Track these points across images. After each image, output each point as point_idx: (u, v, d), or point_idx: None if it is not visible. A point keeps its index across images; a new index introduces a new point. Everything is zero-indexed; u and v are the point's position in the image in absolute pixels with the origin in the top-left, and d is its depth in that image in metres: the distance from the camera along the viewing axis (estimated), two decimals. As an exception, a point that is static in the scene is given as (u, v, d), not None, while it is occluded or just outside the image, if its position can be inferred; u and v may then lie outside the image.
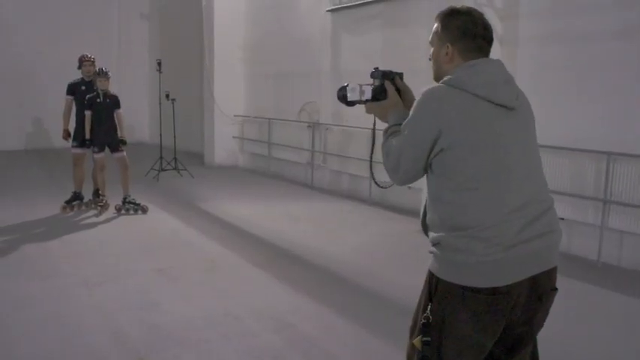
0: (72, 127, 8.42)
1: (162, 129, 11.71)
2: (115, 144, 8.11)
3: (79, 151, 8.34)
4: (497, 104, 2.17)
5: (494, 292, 2.10)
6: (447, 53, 2.31)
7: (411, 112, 2.24)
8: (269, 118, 11.79)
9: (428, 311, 2.19)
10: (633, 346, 4.30)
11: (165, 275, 5.65)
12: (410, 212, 8.16)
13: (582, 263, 6.16)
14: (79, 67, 8.45)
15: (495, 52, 7.09)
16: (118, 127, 8.14)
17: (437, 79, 2.36)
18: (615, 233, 6.06)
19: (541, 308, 2.28)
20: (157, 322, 4.49)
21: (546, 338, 4.32)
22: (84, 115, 8.11)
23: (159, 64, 11.54)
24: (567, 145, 6.33)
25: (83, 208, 8.46)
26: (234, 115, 12.86)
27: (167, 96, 11.36)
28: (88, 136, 8.08)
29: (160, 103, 11.67)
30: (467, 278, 2.11)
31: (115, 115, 8.10)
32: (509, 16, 6.88)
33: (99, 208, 8.26)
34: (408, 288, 5.32)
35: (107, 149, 8.14)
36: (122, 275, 5.61)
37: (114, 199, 8.34)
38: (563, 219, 6.45)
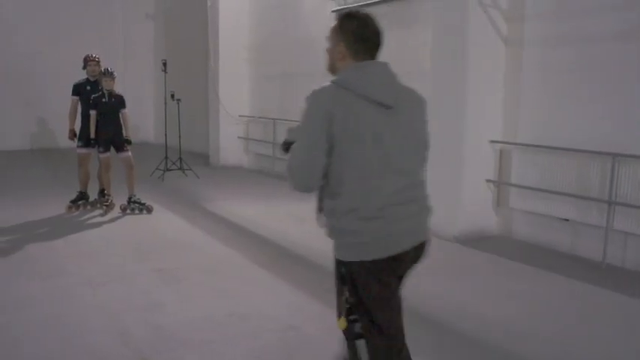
0: (78, 127, 8.44)
1: (167, 129, 11.72)
2: (121, 144, 8.12)
3: (84, 150, 8.36)
4: (377, 103, 2.47)
5: (391, 259, 2.51)
6: (340, 52, 2.62)
7: (303, 116, 2.48)
8: (274, 119, 11.77)
9: (347, 294, 2.55)
10: (634, 347, 4.27)
11: (169, 275, 5.64)
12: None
13: (587, 264, 6.13)
14: (84, 67, 8.46)
15: (500, 53, 7.12)
16: (123, 126, 8.15)
17: (330, 70, 2.73)
18: (620, 235, 6.03)
19: (412, 266, 2.71)
20: (161, 323, 4.49)
21: (547, 338, 4.31)
22: (89, 115, 8.13)
23: (164, 64, 11.54)
24: (572, 146, 6.30)
25: (88, 207, 8.48)
26: (239, 116, 12.86)
27: (172, 96, 11.37)
28: (93, 135, 8.11)
29: (165, 104, 11.68)
30: (367, 254, 2.48)
31: (120, 115, 8.12)
32: (514, 18, 6.86)
33: (104, 207, 8.28)
34: (410, 289, 5.32)
35: (112, 149, 8.16)
36: (126, 275, 5.61)
37: (119, 199, 8.36)
38: (567, 220, 6.43)
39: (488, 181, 7.05)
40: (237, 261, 6.18)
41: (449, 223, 6.96)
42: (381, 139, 2.46)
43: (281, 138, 10.89)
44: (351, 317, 2.55)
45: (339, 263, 2.58)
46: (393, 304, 2.62)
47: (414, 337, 4.33)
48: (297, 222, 7.93)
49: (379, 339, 2.56)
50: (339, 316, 2.62)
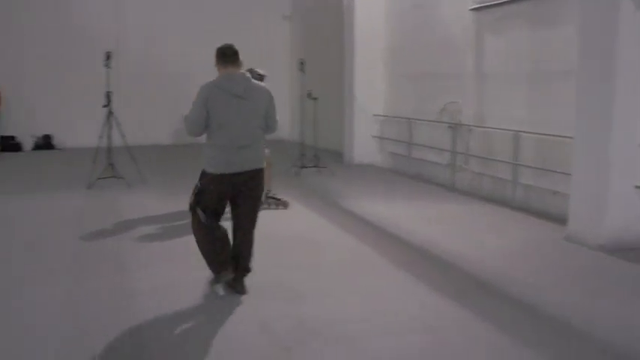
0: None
1: (303, 127, 12.07)
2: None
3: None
4: (234, 94, 4.87)
5: (221, 175, 4.90)
6: (218, 69, 5.05)
7: (196, 97, 4.90)
8: (409, 118, 11.80)
9: (199, 184, 5.05)
10: None
11: (307, 270, 5.86)
12: (555, 218, 7.86)
13: None
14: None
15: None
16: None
17: None
18: None
19: (248, 184, 5.01)
20: (301, 316, 4.67)
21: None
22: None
23: (302, 63, 11.87)
24: None
25: (230, 201, 8.91)
26: (374, 115, 12.99)
27: (309, 95, 11.68)
28: None
29: (302, 102, 12.03)
30: (211, 169, 4.94)
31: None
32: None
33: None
34: (555, 296, 5.18)
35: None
36: (266, 269, 5.81)
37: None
38: None
39: (637, 187, 6.69)
40: (373, 259, 6.29)
41: (593, 230, 6.68)
42: (232, 115, 4.89)
43: (417, 139, 10.91)
44: (198, 198, 5.02)
45: (202, 172, 5.09)
46: (216, 198, 5.01)
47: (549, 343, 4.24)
48: (433, 222, 7.91)
49: (206, 212, 5.01)
50: (192, 194, 5.08)
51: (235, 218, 5.17)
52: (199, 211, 4.98)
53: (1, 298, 5.15)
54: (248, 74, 5.01)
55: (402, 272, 5.83)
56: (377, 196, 9.71)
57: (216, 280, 5.15)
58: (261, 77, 8.35)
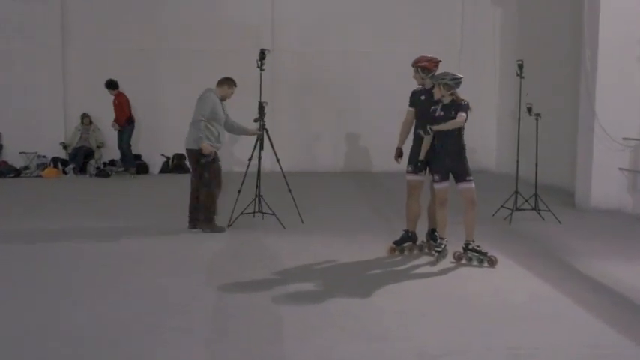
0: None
1: (519, 154, 11.75)
2: (462, 172, 8.26)
3: (414, 177, 8.73)
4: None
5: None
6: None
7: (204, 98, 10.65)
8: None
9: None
10: None
11: (528, 358, 5.55)
12: None
13: None
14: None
15: None
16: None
17: None
18: None
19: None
20: None
21: None
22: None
23: (520, 66, 11.56)
24: None
25: (415, 252, 8.87)
26: (624, 139, 12.34)
27: (529, 110, 11.33)
28: (422, 157, 8.42)
29: (519, 119, 11.72)
30: None
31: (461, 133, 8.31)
32: None
33: (435, 254, 8.51)
34: None
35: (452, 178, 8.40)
36: (468, 350, 5.67)
37: (453, 244, 8.57)
38: None
39: None
40: (627, 352, 5.81)
41: None
42: (217, 113, 10.64)
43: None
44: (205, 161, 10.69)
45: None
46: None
47: None
48: None
49: None
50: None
51: None
52: None
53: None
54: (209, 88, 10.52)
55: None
56: (631, 258, 9.11)
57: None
58: (439, 81, 8.19)
